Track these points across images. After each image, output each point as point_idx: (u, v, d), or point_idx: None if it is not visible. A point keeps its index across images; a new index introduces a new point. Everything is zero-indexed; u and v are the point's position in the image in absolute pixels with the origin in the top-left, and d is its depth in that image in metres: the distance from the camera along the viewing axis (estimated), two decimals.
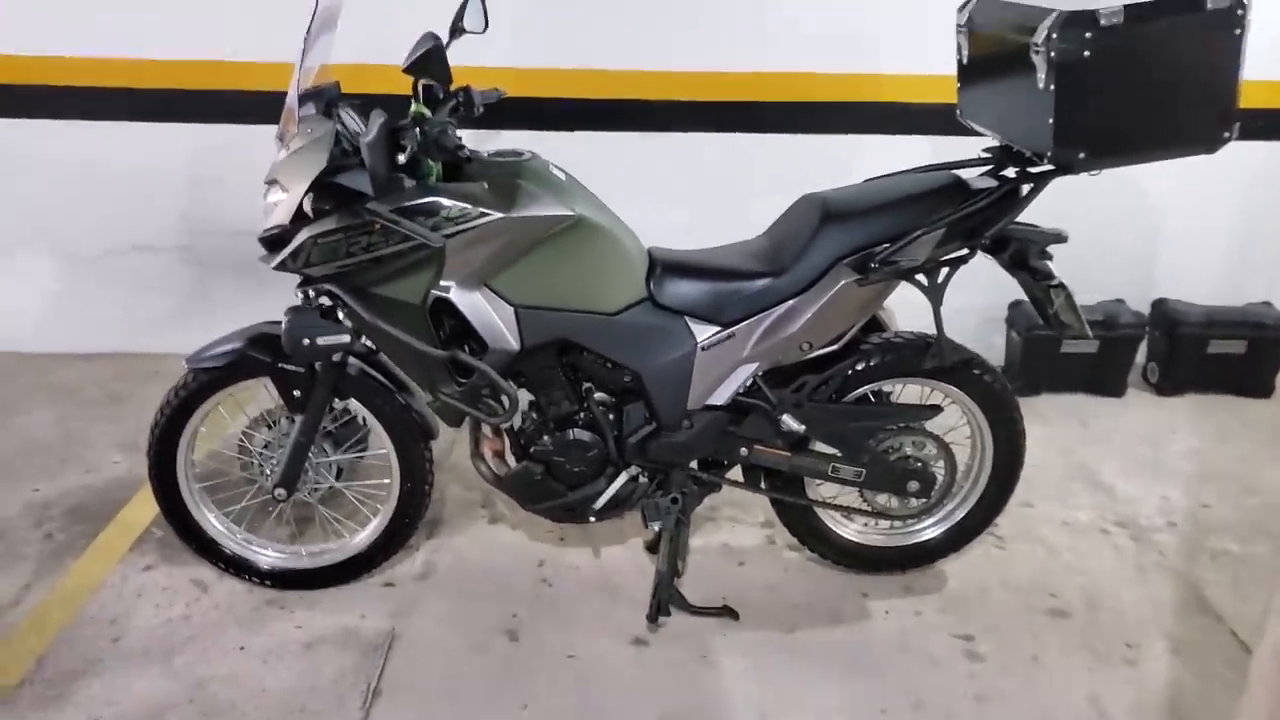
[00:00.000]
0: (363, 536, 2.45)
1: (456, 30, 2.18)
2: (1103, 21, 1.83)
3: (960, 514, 2.48)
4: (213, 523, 2.42)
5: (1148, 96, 1.90)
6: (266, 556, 2.44)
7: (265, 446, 2.37)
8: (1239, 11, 1.83)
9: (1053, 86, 1.87)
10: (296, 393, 2.24)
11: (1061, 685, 2.18)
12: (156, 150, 3.44)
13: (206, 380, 2.25)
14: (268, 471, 2.36)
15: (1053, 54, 1.85)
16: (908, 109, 3.39)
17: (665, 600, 2.29)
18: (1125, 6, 1.83)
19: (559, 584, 2.48)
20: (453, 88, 2.12)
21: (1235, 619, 2.38)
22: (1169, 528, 2.78)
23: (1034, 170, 2.09)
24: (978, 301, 3.54)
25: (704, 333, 2.17)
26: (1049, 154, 1.93)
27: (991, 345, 3.66)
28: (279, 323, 2.15)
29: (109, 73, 3.35)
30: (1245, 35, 1.85)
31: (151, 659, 2.19)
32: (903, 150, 3.06)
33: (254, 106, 3.29)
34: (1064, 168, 1.96)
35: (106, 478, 2.90)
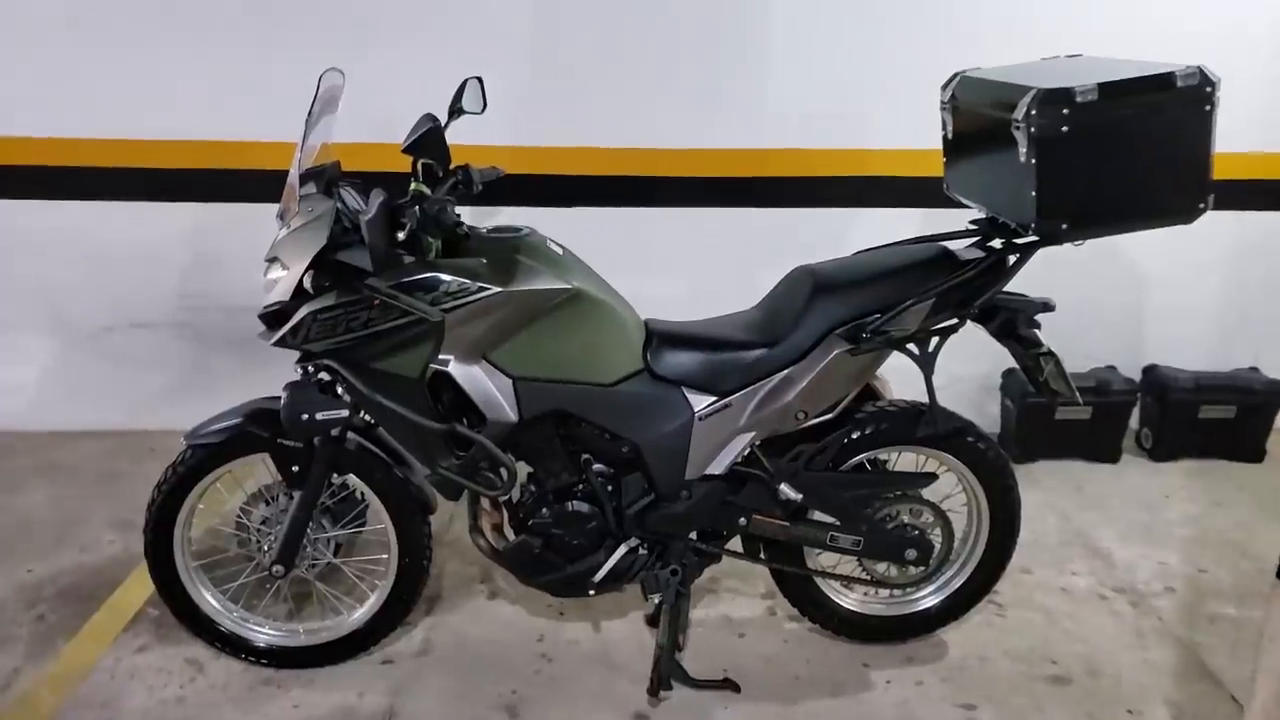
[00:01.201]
0: (361, 613, 2.43)
1: (455, 111, 2.25)
2: (1079, 98, 1.90)
3: (959, 581, 2.48)
4: (209, 600, 2.40)
5: (1125, 170, 1.97)
6: (263, 634, 2.42)
7: (263, 522, 2.36)
8: (1208, 89, 1.91)
9: (1033, 160, 1.93)
10: (295, 468, 2.25)
11: None
12: (156, 228, 3.50)
13: (204, 456, 2.25)
14: (265, 548, 2.35)
15: (1032, 129, 1.91)
16: (897, 182, 3.47)
17: (666, 674, 2.26)
18: (1099, 84, 1.90)
19: (559, 659, 2.46)
20: (452, 166, 2.18)
21: (1234, 683, 2.37)
22: (1167, 593, 2.78)
23: (1019, 241, 2.15)
24: (973, 369, 3.60)
25: (701, 403, 2.19)
26: (1033, 225, 1.99)
27: (987, 412, 3.69)
28: (277, 398, 2.16)
29: (109, 153, 3.42)
30: (1215, 111, 1.93)
31: None
32: (894, 222, 3.13)
33: (253, 185, 3.36)
34: (1047, 238, 2.02)
35: (101, 557, 2.88)
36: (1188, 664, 2.46)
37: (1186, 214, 2.01)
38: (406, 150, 2.00)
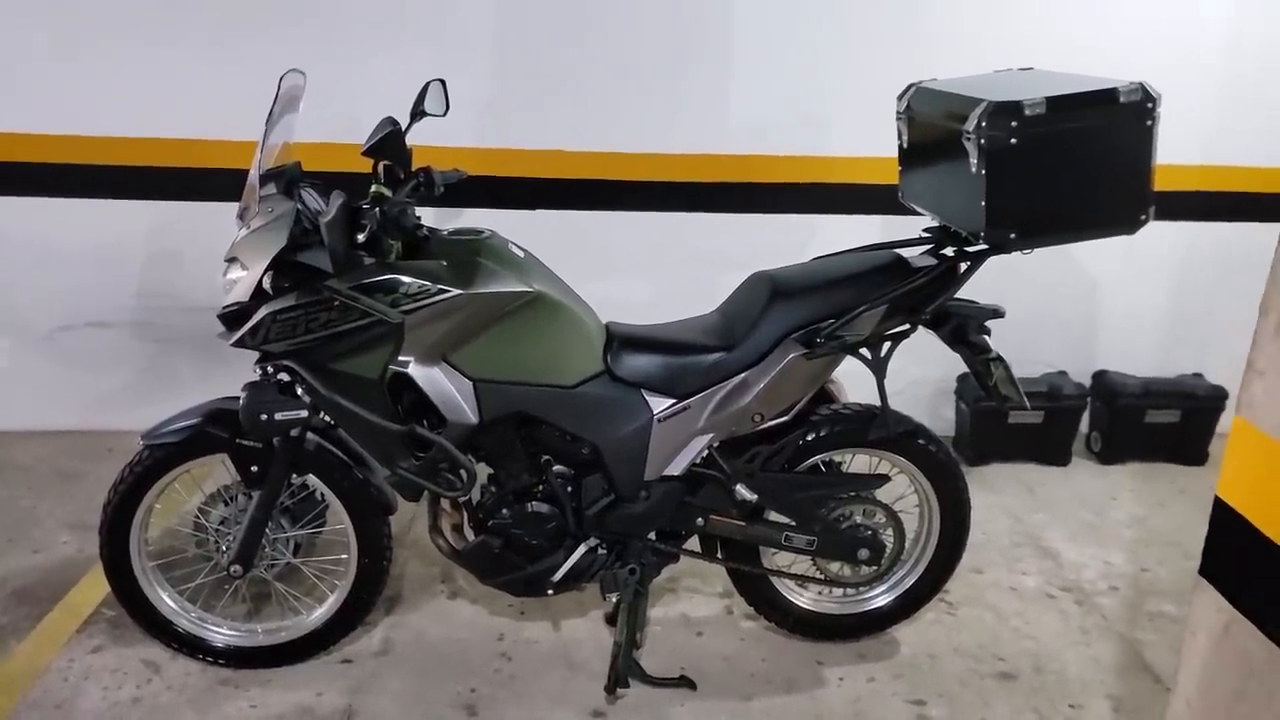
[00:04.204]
0: (320, 613, 2.43)
1: (418, 113, 2.25)
2: (1027, 111, 1.96)
3: (910, 581, 2.53)
4: (166, 601, 2.38)
5: (1070, 181, 2.03)
6: (221, 635, 2.41)
7: (221, 523, 2.35)
8: (1149, 104, 1.98)
9: (983, 171, 1.99)
10: (254, 468, 2.24)
11: None
12: (114, 227, 3.46)
13: (162, 456, 2.24)
14: (224, 548, 2.34)
15: (982, 141, 1.97)
16: (856, 190, 3.53)
17: (624, 672, 2.29)
18: (1047, 98, 1.97)
19: (518, 658, 2.48)
20: (413, 168, 2.19)
21: (1171, 677, 2.42)
22: (1111, 592, 2.86)
23: (970, 249, 2.20)
24: (928, 374, 3.66)
25: (660, 405, 2.22)
26: (983, 234, 2.04)
27: (942, 416, 3.76)
28: (236, 398, 2.16)
29: (66, 149, 3.38)
30: (1156, 125, 2.00)
31: None
32: (852, 229, 3.18)
33: (214, 184, 3.34)
34: (997, 247, 2.08)
35: (55, 558, 2.85)
36: (1128, 659, 2.54)
37: (1129, 224, 2.07)
38: (367, 153, 2.01)
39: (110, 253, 3.49)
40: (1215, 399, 3.66)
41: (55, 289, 3.53)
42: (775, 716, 2.30)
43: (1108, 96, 1.99)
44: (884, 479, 2.39)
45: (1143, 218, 2.07)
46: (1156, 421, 3.65)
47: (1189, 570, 2.94)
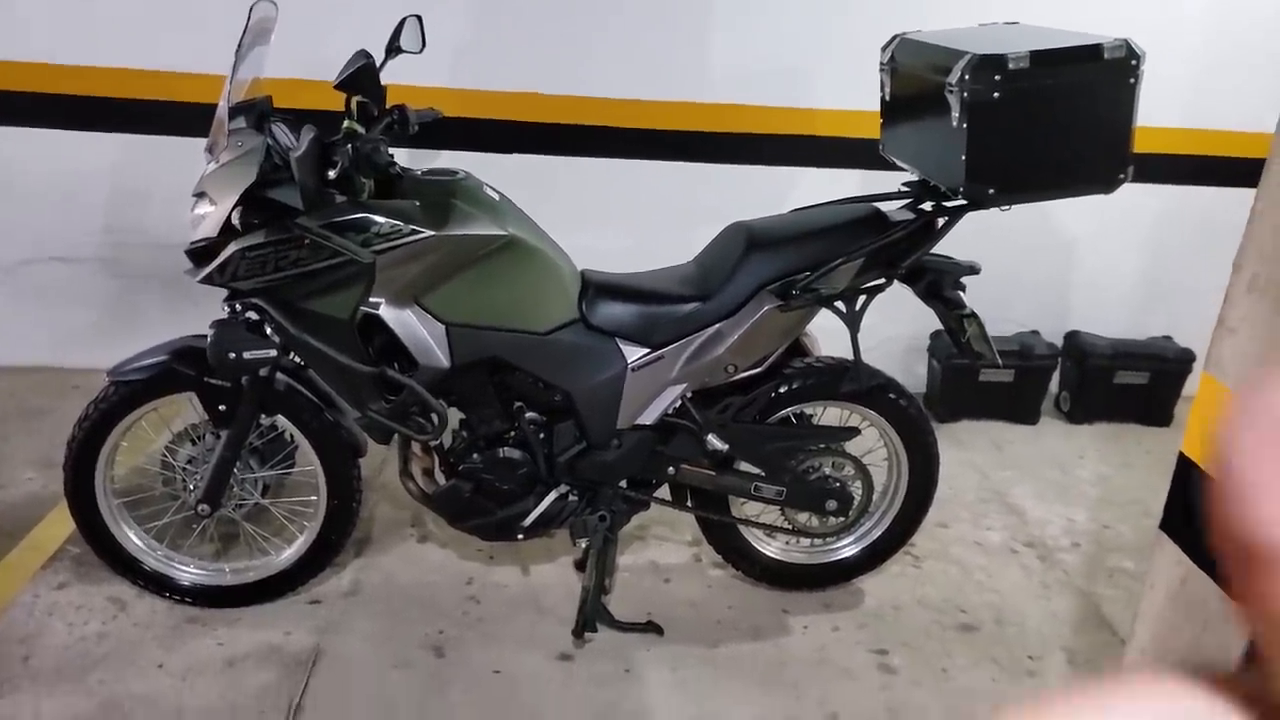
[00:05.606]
0: (288, 554, 2.43)
1: (393, 50, 2.20)
2: (1011, 65, 1.94)
3: (877, 533, 2.56)
4: (132, 539, 2.37)
5: (1051, 138, 2.03)
6: (188, 573, 2.40)
7: (189, 462, 2.34)
8: (1133, 62, 1.96)
9: (965, 125, 1.97)
10: (222, 407, 2.22)
11: (968, 696, 2.27)
12: (78, 159, 3.38)
13: (128, 393, 2.21)
14: (191, 487, 2.33)
15: (965, 94, 1.95)
16: (838, 143, 3.50)
17: (591, 616, 2.32)
18: (1031, 53, 1.95)
19: (486, 601, 2.49)
20: (388, 106, 2.15)
21: (1127, 632, 2.49)
22: (1073, 548, 2.91)
23: (949, 204, 2.19)
24: (901, 331, 3.67)
25: (634, 354, 2.21)
26: (962, 189, 2.03)
27: (914, 373, 3.78)
28: (205, 336, 2.13)
29: (30, 77, 3.28)
30: (1139, 84, 1.98)
31: (64, 678, 2.14)
32: (833, 182, 3.16)
33: (183, 118, 3.26)
34: (975, 202, 2.07)
35: (19, 494, 2.82)
36: (1087, 614, 2.60)
37: (1106, 183, 2.07)
38: (339, 86, 1.96)
39: (76, 186, 3.41)
40: (1183, 362, 3.70)
41: (18, 222, 3.45)
42: (741, 662, 2.33)
43: (1092, 52, 1.98)
44: (854, 432, 2.41)
45: (1121, 177, 2.06)
46: (1125, 383, 3.70)
47: (1150, 528, 2.99)
